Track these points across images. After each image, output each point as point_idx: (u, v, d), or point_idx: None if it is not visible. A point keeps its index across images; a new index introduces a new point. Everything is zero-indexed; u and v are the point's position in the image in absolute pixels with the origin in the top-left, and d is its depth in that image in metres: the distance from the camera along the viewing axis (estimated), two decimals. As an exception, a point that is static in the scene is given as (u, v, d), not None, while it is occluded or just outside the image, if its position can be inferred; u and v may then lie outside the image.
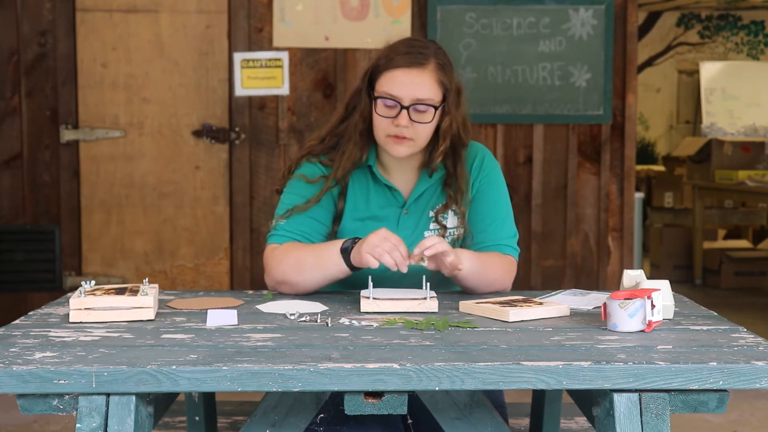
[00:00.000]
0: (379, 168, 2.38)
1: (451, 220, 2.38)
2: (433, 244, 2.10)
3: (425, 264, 2.12)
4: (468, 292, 2.29)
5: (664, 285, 1.98)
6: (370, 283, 2.10)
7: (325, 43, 4.82)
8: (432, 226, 2.37)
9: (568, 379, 1.59)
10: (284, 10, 4.79)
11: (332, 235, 2.36)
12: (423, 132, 2.27)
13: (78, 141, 4.84)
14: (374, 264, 2.08)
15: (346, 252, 2.17)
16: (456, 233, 2.37)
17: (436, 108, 2.26)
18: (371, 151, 2.37)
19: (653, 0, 10.78)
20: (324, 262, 2.20)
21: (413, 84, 2.23)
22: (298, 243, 2.29)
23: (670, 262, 7.65)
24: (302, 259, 2.22)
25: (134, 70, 4.84)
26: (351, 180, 2.37)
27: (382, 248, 2.07)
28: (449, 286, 2.40)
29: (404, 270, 2.09)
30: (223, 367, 1.57)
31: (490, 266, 2.28)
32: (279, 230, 2.32)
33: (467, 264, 2.19)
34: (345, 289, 2.37)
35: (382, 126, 2.27)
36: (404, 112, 2.23)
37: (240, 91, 4.80)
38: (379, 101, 2.26)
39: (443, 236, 2.35)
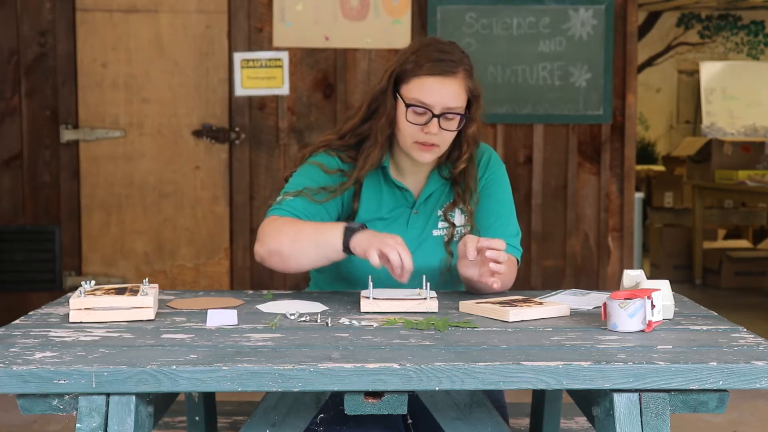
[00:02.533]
0: (393, 169, 2.38)
1: (458, 218, 2.38)
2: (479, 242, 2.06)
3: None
4: (472, 293, 2.28)
5: (664, 285, 1.98)
6: (370, 283, 2.10)
7: (325, 43, 4.82)
8: (440, 224, 2.37)
9: (568, 379, 1.59)
10: (284, 10, 4.79)
11: None
12: (448, 138, 2.28)
13: (78, 141, 4.84)
14: (376, 262, 2.02)
15: (350, 231, 2.10)
16: (464, 231, 2.37)
17: (463, 115, 2.26)
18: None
19: (653, 0, 10.78)
20: (322, 235, 2.14)
21: (445, 92, 2.23)
22: (299, 219, 2.24)
23: (670, 262, 7.65)
24: (302, 230, 2.17)
25: (134, 70, 4.85)
26: (365, 181, 2.36)
27: (391, 247, 2.03)
28: (449, 287, 2.40)
29: (404, 280, 2.06)
30: (223, 367, 1.57)
31: None
32: (284, 205, 2.26)
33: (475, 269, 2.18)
34: (345, 289, 2.37)
35: (409, 132, 2.25)
36: (435, 120, 2.23)
37: (240, 91, 4.80)
38: (409, 108, 2.24)
39: (452, 234, 2.35)
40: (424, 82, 2.23)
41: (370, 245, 2.04)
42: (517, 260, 2.40)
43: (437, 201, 2.38)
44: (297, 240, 2.16)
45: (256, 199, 4.87)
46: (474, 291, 2.27)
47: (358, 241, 2.08)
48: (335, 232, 2.12)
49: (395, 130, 2.29)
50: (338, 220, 2.35)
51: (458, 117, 2.25)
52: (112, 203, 4.88)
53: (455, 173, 2.35)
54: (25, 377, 1.55)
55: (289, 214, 2.24)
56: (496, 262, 2.08)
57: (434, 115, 2.22)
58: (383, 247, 2.03)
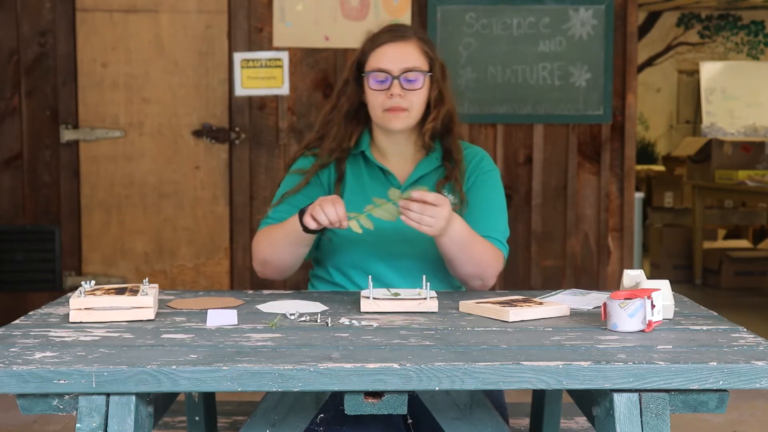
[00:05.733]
0: (374, 152, 2.44)
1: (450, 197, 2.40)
2: (428, 194, 2.12)
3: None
4: (451, 267, 2.30)
5: (664, 285, 1.98)
6: (370, 283, 2.10)
7: (325, 43, 4.82)
8: None
9: (568, 379, 1.59)
10: (284, 10, 4.79)
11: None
12: (416, 101, 2.34)
13: (78, 141, 4.84)
14: (311, 223, 2.15)
15: (301, 212, 2.22)
16: (454, 205, 2.38)
17: (425, 75, 2.34)
18: (364, 137, 2.43)
19: (653, 0, 10.78)
20: (287, 227, 2.28)
21: (400, 54, 2.33)
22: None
23: (670, 262, 7.65)
24: (274, 232, 2.33)
25: (134, 70, 4.85)
26: (346, 169, 2.43)
27: (319, 207, 2.13)
28: (449, 287, 2.40)
29: (342, 226, 2.14)
30: (223, 367, 1.57)
31: (478, 243, 2.29)
32: (268, 217, 2.42)
33: (456, 228, 2.20)
34: (345, 289, 2.38)
35: (377, 101, 2.34)
36: (396, 81, 2.31)
37: (240, 91, 4.80)
38: (370, 77, 2.33)
39: None
40: (380, 51, 2.35)
41: (306, 215, 2.16)
42: (504, 257, 2.40)
43: (430, 186, 2.39)
44: (273, 242, 2.32)
45: (256, 199, 4.87)
46: (450, 262, 2.29)
47: (304, 216, 2.19)
48: (294, 219, 2.25)
49: (369, 109, 2.38)
50: None
51: (420, 77, 2.33)
52: (112, 203, 4.88)
53: (426, 135, 2.39)
54: (25, 377, 1.55)
55: (273, 222, 2.40)
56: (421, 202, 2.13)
57: (394, 78, 2.31)
58: (311, 211, 2.14)
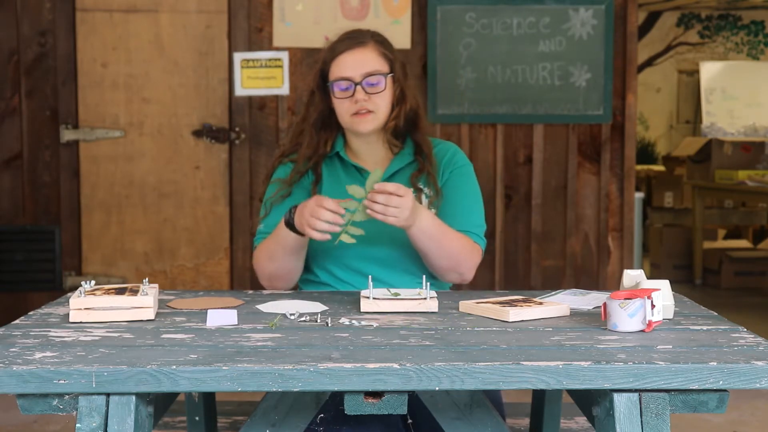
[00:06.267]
0: (349, 153, 2.49)
1: (425, 194, 2.45)
2: (390, 186, 2.18)
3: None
4: (426, 261, 2.35)
5: (664, 285, 1.98)
6: (370, 283, 2.10)
7: (325, 43, 4.81)
8: None
9: (568, 379, 1.59)
10: (284, 10, 4.79)
11: None
12: (381, 102, 2.40)
13: (78, 141, 4.84)
14: (316, 236, 2.20)
15: (288, 223, 2.29)
16: (430, 198, 2.44)
17: (386, 77, 2.40)
18: (338, 140, 2.49)
19: (653, 0, 10.78)
20: (280, 239, 2.34)
21: (359, 61, 2.40)
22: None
23: (670, 262, 7.64)
24: (268, 247, 2.39)
25: (134, 70, 4.84)
26: (323, 172, 2.48)
27: (314, 220, 2.18)
28: (428, 274, 2.41)
29: (346, 208, 2.19)
30: (223, 367, 1.57)
31: (451, 236, 2.33)
32: (259, 234, 2.49)
33: (425, 220, 2.25)
34: (345, 289, 2.38)
35: (343, 108, 2.40)
36: (359, 87, 2.38)
37: (240, 91, 4.80)
38: (334, 87, 2.40)
39: (419, 200, 2.41)
40: (339, 61, 2.42)
41: (301, 226, 2.24)
42: (482, 251, 2.43)
43: (404, 181, 2.42)
44: (272, 256, 2.38)
45: (256, 199, 4.87)
46: (424, 257, 2.33)
47: (297, 225, 2.26)
48: (282, 227, 2.32)
49: (337, 116, 2.44)
50: None
51: (382, 79, 2.40)
52: (112, 203, 4.88)
53: (387, 132, 2.44)
54: (25, 377, 1.55)
55: (266, 236, 2.45)
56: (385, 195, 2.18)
57: (356, 84, 2.38)
58: (309, 223, 2.19)
